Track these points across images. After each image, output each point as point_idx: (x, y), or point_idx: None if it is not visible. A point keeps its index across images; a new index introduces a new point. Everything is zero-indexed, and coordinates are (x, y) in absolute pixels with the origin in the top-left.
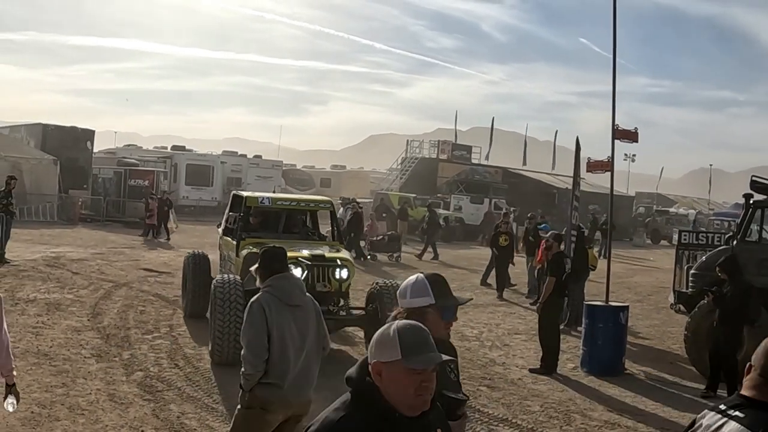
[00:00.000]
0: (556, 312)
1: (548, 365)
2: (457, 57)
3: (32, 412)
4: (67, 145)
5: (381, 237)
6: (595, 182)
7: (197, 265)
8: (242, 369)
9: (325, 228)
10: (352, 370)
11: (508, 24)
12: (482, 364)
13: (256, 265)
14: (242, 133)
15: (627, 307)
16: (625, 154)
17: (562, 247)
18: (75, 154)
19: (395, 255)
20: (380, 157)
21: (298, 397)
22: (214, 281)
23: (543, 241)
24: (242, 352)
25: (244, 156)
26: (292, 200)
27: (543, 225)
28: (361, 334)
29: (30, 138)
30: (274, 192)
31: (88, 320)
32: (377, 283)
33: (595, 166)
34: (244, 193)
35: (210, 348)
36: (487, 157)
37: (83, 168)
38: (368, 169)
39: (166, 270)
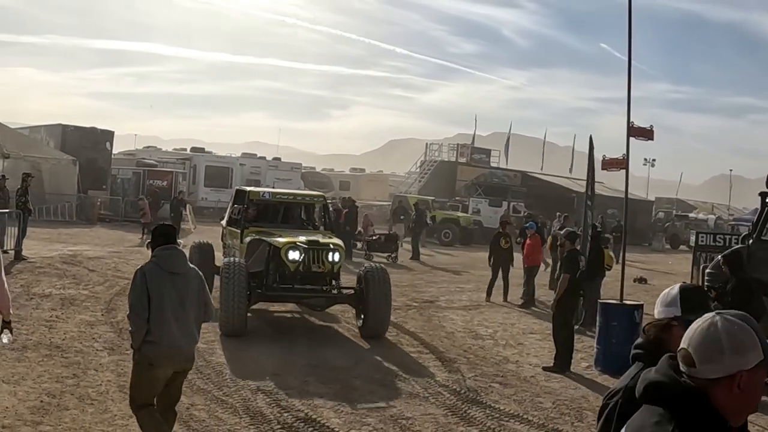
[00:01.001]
0: (570, 310)
1: (562, 363)
2: (478, 62)
3: (42, 401)
4: (86, 145)
5: (377, 236)
6: (613, 186)
7: (203, 252)
8: (129, 328)
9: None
10: (658, 376)
11: (529, 29)
12: (495, 362)
13: (149, 240)
14: (263, 137)
15: (641, 305)
16: (645, 159)
17: (578, 246)
18: (94, 154)
19: (392, 255)
20: (400, 162)
21: (180, 353)
22: (222, 262)
23: (527, 240)
24: (127, 313)
25: (263, 158)
26: (289, 194)
27: (529, 223)
28: (344, 313)
29: (49, 138)
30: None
31: (102, 315)
32: (365, 266)
33: (610, 164)
34: (248, 188)
35: (219, 320)
36: (506, 161)
37: (102, 168)
38: (388, 173)
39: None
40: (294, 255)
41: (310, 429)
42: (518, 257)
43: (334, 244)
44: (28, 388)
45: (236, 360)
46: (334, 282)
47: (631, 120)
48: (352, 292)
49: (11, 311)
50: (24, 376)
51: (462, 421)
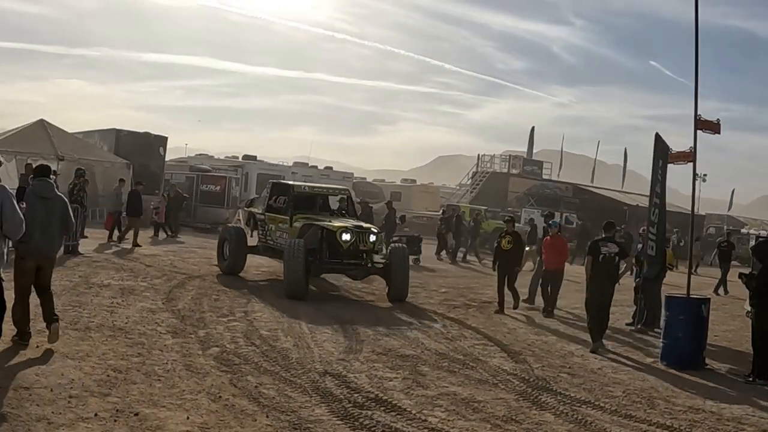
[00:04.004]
0: (593, 290)
1: (593, 339)
2: (526, 79)
3: (108, 376)
4: (140, 150)
5: (399, 238)
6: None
7: (237, 235)
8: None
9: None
10: None
11: (578, 46)
12: (560, 355)
13: (32, 174)
14: (310, 152)
15: (708, 299)
16: (695, 174)
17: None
18: (148, 159)
19: (414, 257)
20: (448, 178)
21: (42, 252)
22: (287, 243)
23: (546, 238)
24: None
25: (315, 167)
26: (322, 188)
27: (552, 222)
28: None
29: (103, 143)
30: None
31: (163, 303)
32: (391, 246)
33: (677, 157)
34: (290, 182)
35: (285, 287)
36: (559, 173)
37: (155, 173)
38: (438, 184)
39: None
40: (346, 236)
41: (382, 408)
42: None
43: (374, 228)
44: (93, 364)
45: (301, 346)
46: (367, 257)
47: (698, 113)
48: (382, 266)
49: None
50: (88, 353)
51: (534, 406)
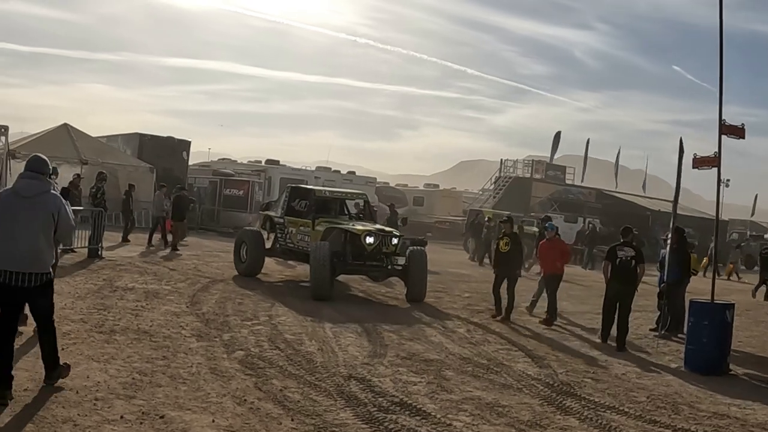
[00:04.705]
0: (609, 294)
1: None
2: (549, 84)
3: (133, 379)
4: (163, 154)
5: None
6: (686, 206)
7: (255, 238)
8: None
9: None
10: None
11: (601, 51)
12: (585, 361)
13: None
14: (333, 157)
15: (733, 305)
16: (720, 179)
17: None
18: (171, 163)
19: None
20: (471, 183)
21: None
22: (313, 245)
23: (542, 241)
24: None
25: (338, 172)
26: (342, 192)
27: (548, 224)
28: (431, 312)
29: (126, 147)
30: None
31: (187, 307)
32: (410, 249)
33: (701, 162)
34: (311, 187)
35: (311, 288)
36: (582, 178)
37: (178, 177)
38: (461, 189)
39: (263, 271)
40: (370, 239)
41: (407, 413)
42: None
43: (395, 232)
44: (118, 367)
45: (325, 350)
46: (387, 260)
47: (723, 118)
48: (401, 268)
49: None
50: (114, 356)
51: (558, 411)
